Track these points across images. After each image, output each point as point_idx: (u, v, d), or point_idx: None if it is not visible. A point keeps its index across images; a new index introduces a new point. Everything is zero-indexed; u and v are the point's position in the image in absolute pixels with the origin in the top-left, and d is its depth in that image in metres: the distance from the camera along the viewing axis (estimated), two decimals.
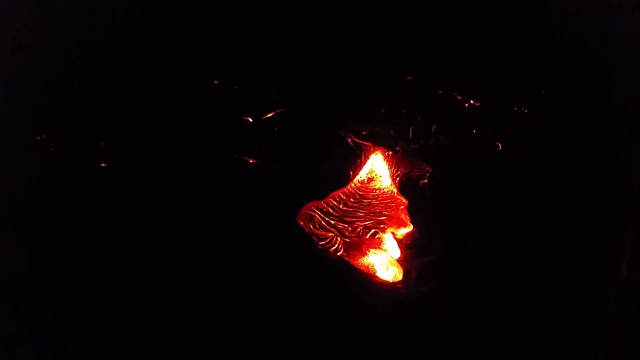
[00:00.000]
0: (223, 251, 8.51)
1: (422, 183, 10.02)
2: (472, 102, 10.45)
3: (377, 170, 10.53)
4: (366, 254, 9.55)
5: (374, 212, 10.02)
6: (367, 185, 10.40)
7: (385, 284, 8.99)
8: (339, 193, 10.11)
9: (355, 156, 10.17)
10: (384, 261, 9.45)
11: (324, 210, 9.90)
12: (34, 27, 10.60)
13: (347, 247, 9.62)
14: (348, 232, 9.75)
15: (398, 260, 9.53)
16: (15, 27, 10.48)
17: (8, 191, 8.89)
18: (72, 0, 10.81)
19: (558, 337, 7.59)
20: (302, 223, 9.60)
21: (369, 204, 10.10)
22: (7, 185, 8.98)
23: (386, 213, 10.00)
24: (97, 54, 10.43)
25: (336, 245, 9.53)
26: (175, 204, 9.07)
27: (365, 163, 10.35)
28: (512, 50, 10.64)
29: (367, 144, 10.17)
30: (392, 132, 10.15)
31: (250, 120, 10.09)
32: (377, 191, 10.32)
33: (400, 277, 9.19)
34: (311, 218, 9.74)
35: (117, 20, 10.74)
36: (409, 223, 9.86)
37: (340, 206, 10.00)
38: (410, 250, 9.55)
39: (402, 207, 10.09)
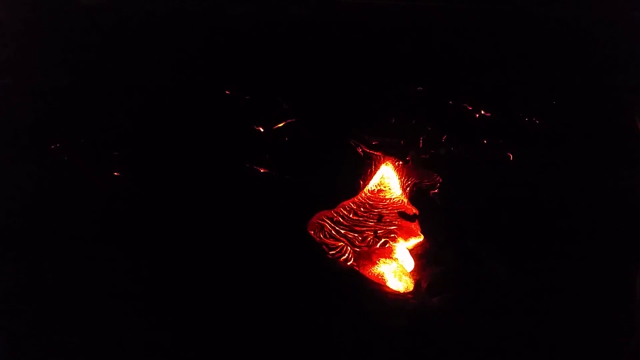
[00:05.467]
0: (232, 260, 8.53)
1: (433, 193, 10.00)
2: (482, 112, 10.45)
3: (388, 180, 10.53)
4: (376, 264, 9.52)
5: (385, 222, 10.00)
6: (377, 195, 10.39)
7: (395, 294, 8.95)
8: (350, 202, 10.12)
9: (365, 166, 10.18)
10: (396, 271, 9.41)
11: (335, 219, 9.90)
12: (45, 33, 10.74)
13: (358, 256, 9.60)
14: (358, 241, 9.73)
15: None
16: (24, 33, 10.62)
17: (20, 198, 8.98)
18: (86, 9, 10.97)
19: (570, 348, 7.51)
20: (312, 232, 9.60)
21: (379, 214, 10.09)
22: (20, 192, 9.07)
23: (397, 223, 9.98)
24: (110, 63, 10.55)
25: (346, 254, 9.52)
26: (185, 213, 9.11)
27: (375, 173, 10.35)
28: (523, 60, 10.65)
29: (378, 153, 10.19)
30: (402, 142, 10.16)
31: (261, 130, 10.14)
32: (388, 201, 10.30)
33: (411, 287, 9.14)
34: (322, 227, 9.75)
35: (130, 29, 10.87)
36: (419, 233, 9.82)
37: (351, 215, 10.00)
38: (420, 260, 9.52)
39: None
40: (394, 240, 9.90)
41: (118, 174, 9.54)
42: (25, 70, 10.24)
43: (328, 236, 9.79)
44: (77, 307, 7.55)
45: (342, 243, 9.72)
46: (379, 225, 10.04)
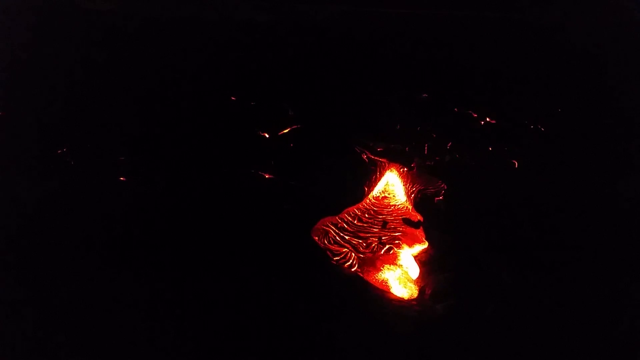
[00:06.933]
0: (236, 265, 8.53)
1: (437, 200, 9.99)
2: (487, 119, 10.46)
3: (392, 186, 10.54)
4: (381, 270, 9.50)
5: (389, 228, 10.00)
6: (382, 201, 10.40)
7: (399, 300, 8.92)
8: (354, 209, 10.14)
9: (370, 172, 10.21)
10: (400, 277, 9.39)
11: (339, 225, 9.91)
12: (56, 43, 10.86)
13: (362, 263, 9.58)
14: (362, 247, 9.72)
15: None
16: (32, 42, 10.75)
17: (29, 202, 9.05)
18: (95, 19, 11.11)
19: (573, 353, 7.46)
20: (316, 238, 9.61)
21: (384, 220, 10.09)
22: (28, 196, 9.14)
23: (401, 229, 9.97)
24: (117, 69, 10.65)
25: (351, 260, 9.50)
26: (190, 218, 9.15)
27: (380, 179, 10.37)
28: (528, 69, 10.68)
29: (383, 160, 10.22)
30: (407, 149, 10.20)
31: (267, 136, 10.19)
32: (392, 207, 10.30)
33: (415, 294, 9.11)
34: (326, 233, 9.76)
35: (138, 35, 10.99)
36: (424, 240, 9.80)
37: (355, 222, 10.00)
38: (424, 267, 9.49)
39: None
40: (399, 246, 9.89)
41: (124, 179, 9.60)
42: (30, 74, 10.37)
43: (332, 242, 9.80)
44: (81, 308, 7.58)
45: (346, 249, 9.72)
46: (384, 232, 10.05)
